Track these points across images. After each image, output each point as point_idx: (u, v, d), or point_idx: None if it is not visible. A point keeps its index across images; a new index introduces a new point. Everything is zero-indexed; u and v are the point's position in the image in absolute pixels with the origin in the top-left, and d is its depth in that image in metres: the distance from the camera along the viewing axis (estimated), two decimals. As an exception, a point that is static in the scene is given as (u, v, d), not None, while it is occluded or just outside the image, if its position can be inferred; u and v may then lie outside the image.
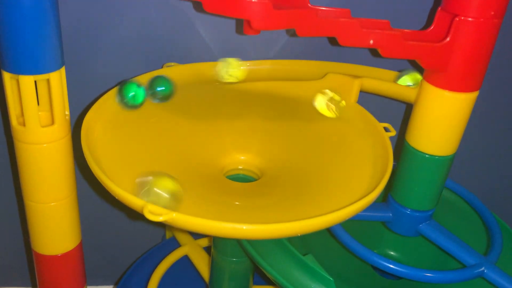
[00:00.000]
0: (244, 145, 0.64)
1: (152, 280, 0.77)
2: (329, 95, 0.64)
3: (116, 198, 0.48)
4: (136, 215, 0.89)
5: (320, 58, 0.74)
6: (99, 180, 0.50)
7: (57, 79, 0.56)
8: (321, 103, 0.64)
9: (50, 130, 0.57)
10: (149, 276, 0.78)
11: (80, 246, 0.69)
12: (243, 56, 0.73)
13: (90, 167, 0.51)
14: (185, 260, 0.83)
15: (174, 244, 0.85)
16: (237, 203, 0.54)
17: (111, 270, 0.97)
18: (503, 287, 0.57)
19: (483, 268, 0.58)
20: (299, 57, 0.74)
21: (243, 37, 0.73)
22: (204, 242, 0.85)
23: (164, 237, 0.92)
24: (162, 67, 0.72)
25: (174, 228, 0.87)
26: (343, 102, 0.65)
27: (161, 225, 0.91)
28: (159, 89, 0.62)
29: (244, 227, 0.44)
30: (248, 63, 0.73)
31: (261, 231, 0.45)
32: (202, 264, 0.80)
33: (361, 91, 0.66)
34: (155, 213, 0.44)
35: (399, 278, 0.70)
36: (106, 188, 0.49)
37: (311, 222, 0.46)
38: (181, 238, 0.85)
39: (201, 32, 0.71)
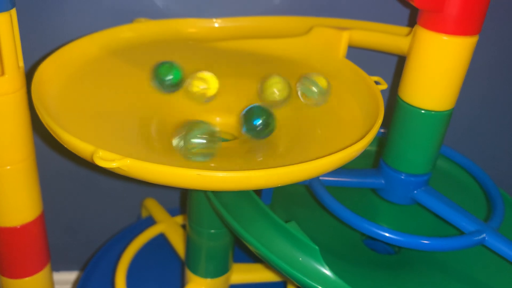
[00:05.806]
0: (220, 105, 0.58)
1: (123, 258, 0.70)
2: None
3: (65, 146, 0.42)
4: (108, 192, 0.82)
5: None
6: (44, 123, 0.43)
7: (7, 21, 0.49)
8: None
9: (0, 82, 0.51)
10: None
11: (42, 218, 0.62)
12: (221, 12, 0.67)
13: (37, 110, 0.45)
14: (161, 239, 0.76)
15: (150, 224, 0.79)
16: (212, 164, 0.49)
17: (79, 254, 0.89)
18: (506, 255, 0.52)
19: (484, 235, 0.53)
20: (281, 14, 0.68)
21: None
22: (181, 219, 0.79)
23: (140, 217, 0.86)
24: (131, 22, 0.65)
25: (149, 205, 0.81)
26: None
27: (135, 203, 0.85)
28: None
29: (210, 174, 0.39)
30: (225, 20, 0.67)
31: (229, 179, 0.39)
32: (179, 242, 0.74)
33: (349, 47, 0.61)
34: (106, 159, 0.38)
35: (389, 252, 0.64)
36: (52, 133, 0.43)
37: (287, 170, 0.40)
38: (157, 215, 0.78)
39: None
